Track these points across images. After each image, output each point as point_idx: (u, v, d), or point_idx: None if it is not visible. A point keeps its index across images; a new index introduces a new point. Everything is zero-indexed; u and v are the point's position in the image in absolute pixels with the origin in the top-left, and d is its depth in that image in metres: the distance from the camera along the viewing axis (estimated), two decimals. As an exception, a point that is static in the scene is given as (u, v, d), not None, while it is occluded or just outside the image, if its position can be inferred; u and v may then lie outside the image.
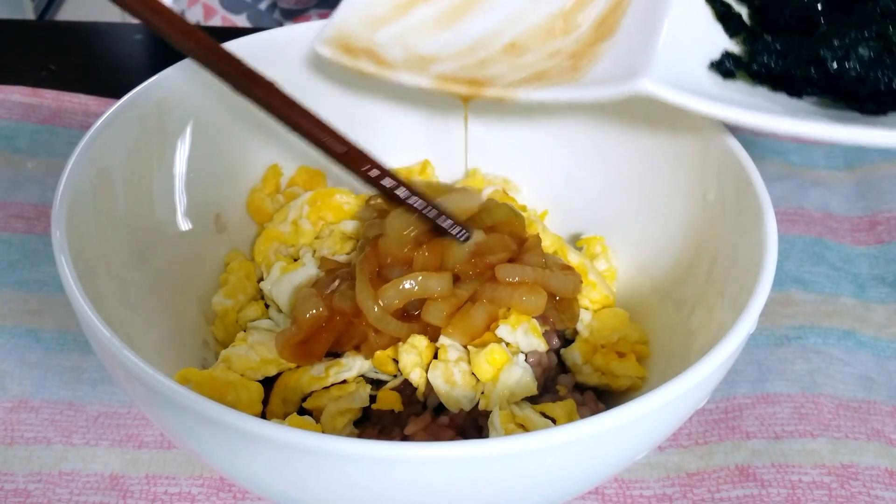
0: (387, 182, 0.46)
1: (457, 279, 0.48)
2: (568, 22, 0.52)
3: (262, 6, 0.98)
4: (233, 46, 0.54)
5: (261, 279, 0.54)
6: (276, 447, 0.34)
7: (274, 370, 0.48)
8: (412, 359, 0.47)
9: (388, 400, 0.47)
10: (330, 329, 0.47)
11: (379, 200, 0.53)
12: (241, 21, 0.98)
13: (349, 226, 0.54)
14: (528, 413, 0.45)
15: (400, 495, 0.36)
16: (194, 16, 0.98)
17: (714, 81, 0.47)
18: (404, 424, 0.46)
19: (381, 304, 0.46)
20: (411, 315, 0.48)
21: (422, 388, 0.47)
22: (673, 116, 0.51)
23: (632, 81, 0.44)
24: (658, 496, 0.49)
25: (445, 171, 0.61)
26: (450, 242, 0.48)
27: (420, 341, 0.47)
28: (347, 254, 0.53)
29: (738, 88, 0.47)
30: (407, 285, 0.46)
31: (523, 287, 0.47)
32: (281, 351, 0.47)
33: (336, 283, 0.49)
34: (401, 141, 0.60)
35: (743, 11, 0.50)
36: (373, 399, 0.48)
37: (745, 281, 0.42)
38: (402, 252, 0.48)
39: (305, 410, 0.48)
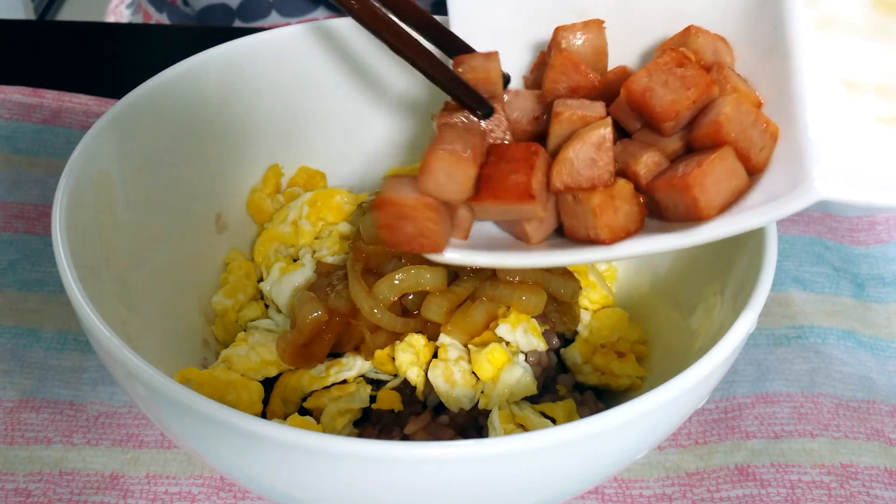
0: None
1: (455, 276, 0.48)
2: None
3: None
4: (232, 46, 0.54)
5: (261, 279, 0.54)
6: (276, 447, 0.34)
7: (274, 371, 0.48)
8: (408, 357, 0.47)
9: (388, 399, 0.47)
10: (330, 331, 0.47)
11: (370, 203, 0.53)
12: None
13: (347, 227, 0.55)
14: (528, 413, 0.45)
15: (400, 495, 0.36)
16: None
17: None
18: (404, 424, 0.47)
19: (376, 298, 0.46)
20: (410, 314, 0.48)
21: (420, 386, 0.48)
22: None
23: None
24: (658, 496, 0.49)
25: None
26: None
27: (417, 340, 0.47)
28: (346, 254, 0.54)
29: None
30: (399, 278, 0.47)
31: (523, 286, 0.47)
32: (282, 355, 0.47)
33: (331, 283, 0.49)
34: (400, 138, 0.60)
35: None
36: (373, 399, 0.48)
37: (745, 281, 0.42)
38: (381, 249, 0.48)
39: (306, 410, 0.48)
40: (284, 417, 0.47)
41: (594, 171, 0.40)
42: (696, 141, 0.41)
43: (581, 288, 0.51)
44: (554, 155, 0.41)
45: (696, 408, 0.41)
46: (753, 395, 0.54)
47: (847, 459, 0.51)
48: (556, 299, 0.49)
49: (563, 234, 0.42)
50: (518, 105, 0.45)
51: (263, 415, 0.48)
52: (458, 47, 0.47)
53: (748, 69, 0.43)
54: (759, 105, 0.41)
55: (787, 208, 0.37)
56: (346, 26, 0.56)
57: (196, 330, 0.52)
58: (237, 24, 0.94)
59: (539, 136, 0.44)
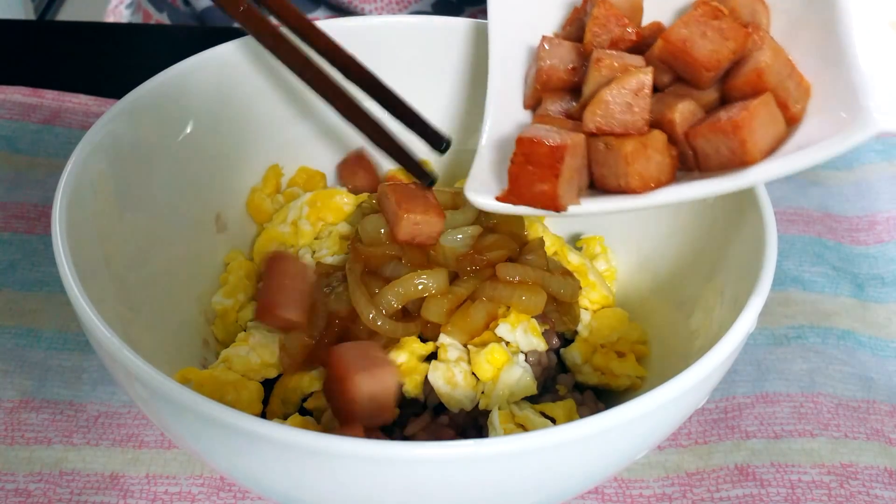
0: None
1: (456, 277, 0.48)
2: None
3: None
4: (232, 46, 0.54)
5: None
6: (276, 447, 0.34)
7: (274, 372, 0.48)
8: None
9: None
10: (329, 335, 0.47)
11: (369, 203, 0.53)
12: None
13: (347, 227, 0.54)
14: (528, 413, 0.45)
15: (399, 495, 0.36)
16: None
17: None
18: (404, 424, 0.46)
19: (378, 308, 0.46)
20: (411, 314, 0.48)
21: (412, 392, 0.47)
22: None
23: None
24: (658, 496, 0.49)
25: (445, 172, 0.61)
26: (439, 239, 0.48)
27: (410, 347, 0.47)
28: (345, 255, 0.54)
29: None
30: (402, 288, 0.46)
31: (523, 286, 0.47)
32: (286, 370, 0.48)
33: (331, 285, 0.49)
34: (400, 138, 0.60)
35: None
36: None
37: (745, 281, 0.42)
38: (381, 251, 0.48)
39: (306, 411, 0.48)
40: (284, 418, 0.47)
41: (629, 116, 0.40)
42: (734, 90, 0.40)
43: (581, 288, 0.51)
44: (589, 100, 0.41)
45: (696, 408, 0.41)
46: (753, 395, 0.54)
47: (847, 459, 0.51)
48: (556, 299, 0.49)
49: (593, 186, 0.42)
50: (557, 53, 0.45)
51: (263, 415, 0.48)
52: (399, 107, 0.51)
53: (790, 18, 0.43)
54: (791, 66, 0.41)
55: (847, 142, 0.36)
56: (345, 27, 0.56)
57: (196, 330, 0.52)
58: (237, 24, 0.94)
59: (574, 85, 0.44)
